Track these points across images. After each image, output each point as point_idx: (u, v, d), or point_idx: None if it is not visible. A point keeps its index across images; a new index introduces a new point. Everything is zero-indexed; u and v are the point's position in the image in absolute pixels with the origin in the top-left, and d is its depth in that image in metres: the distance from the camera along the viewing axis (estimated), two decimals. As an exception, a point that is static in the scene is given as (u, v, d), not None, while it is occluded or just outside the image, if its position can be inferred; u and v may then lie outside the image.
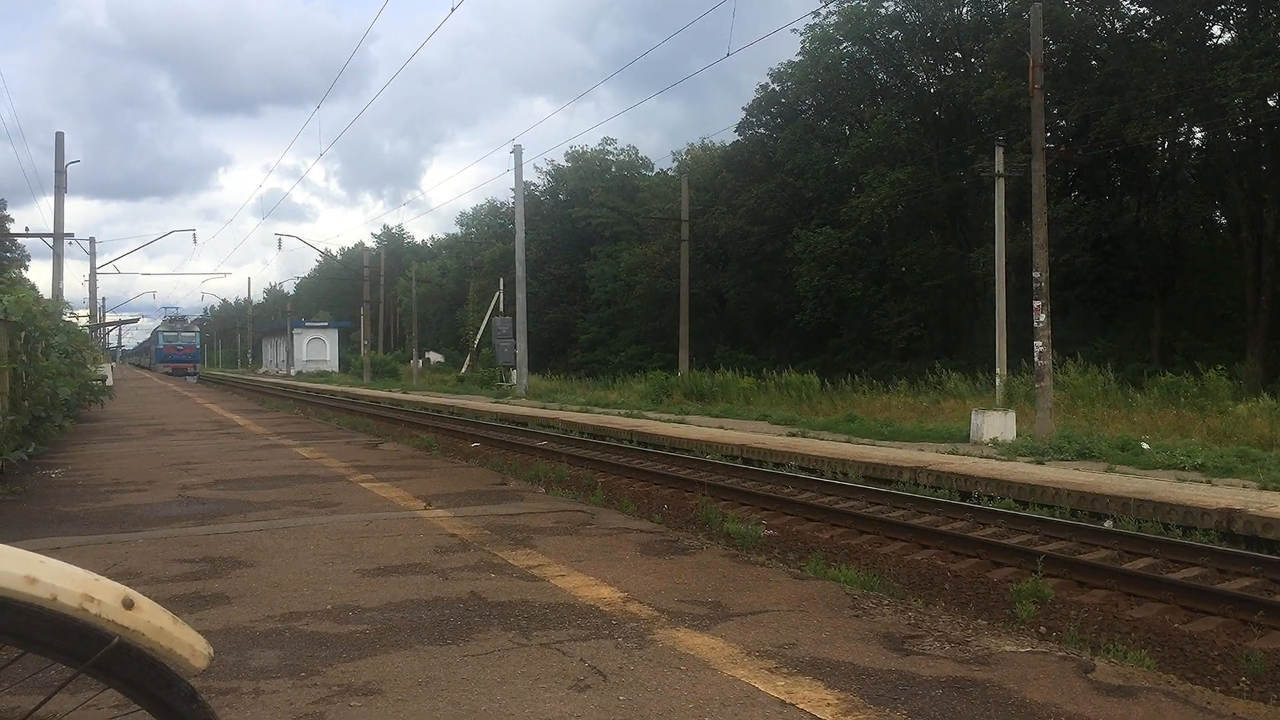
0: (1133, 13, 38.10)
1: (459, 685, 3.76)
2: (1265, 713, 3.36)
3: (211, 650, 1.61)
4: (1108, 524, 10.29)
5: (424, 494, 8.89)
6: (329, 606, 4.98)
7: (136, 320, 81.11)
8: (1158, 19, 36.60)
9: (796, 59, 50.84)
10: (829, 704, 3.49)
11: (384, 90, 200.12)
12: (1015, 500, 11.53)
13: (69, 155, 31.25)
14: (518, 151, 36.84)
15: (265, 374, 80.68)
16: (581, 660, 4.05)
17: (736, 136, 56.19)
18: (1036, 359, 17.62)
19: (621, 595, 5.12)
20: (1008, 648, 4.18)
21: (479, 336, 60.78)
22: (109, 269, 79.52)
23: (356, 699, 3.62)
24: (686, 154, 66.75)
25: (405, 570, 5.78)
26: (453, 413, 29.74)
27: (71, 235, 31.57)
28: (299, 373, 72.96)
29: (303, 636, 4.46)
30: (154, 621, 1.50)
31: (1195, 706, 3.44)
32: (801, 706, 3.47)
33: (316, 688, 3.76)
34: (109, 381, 25.85)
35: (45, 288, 29.69)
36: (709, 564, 5.91)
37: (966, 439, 17.50)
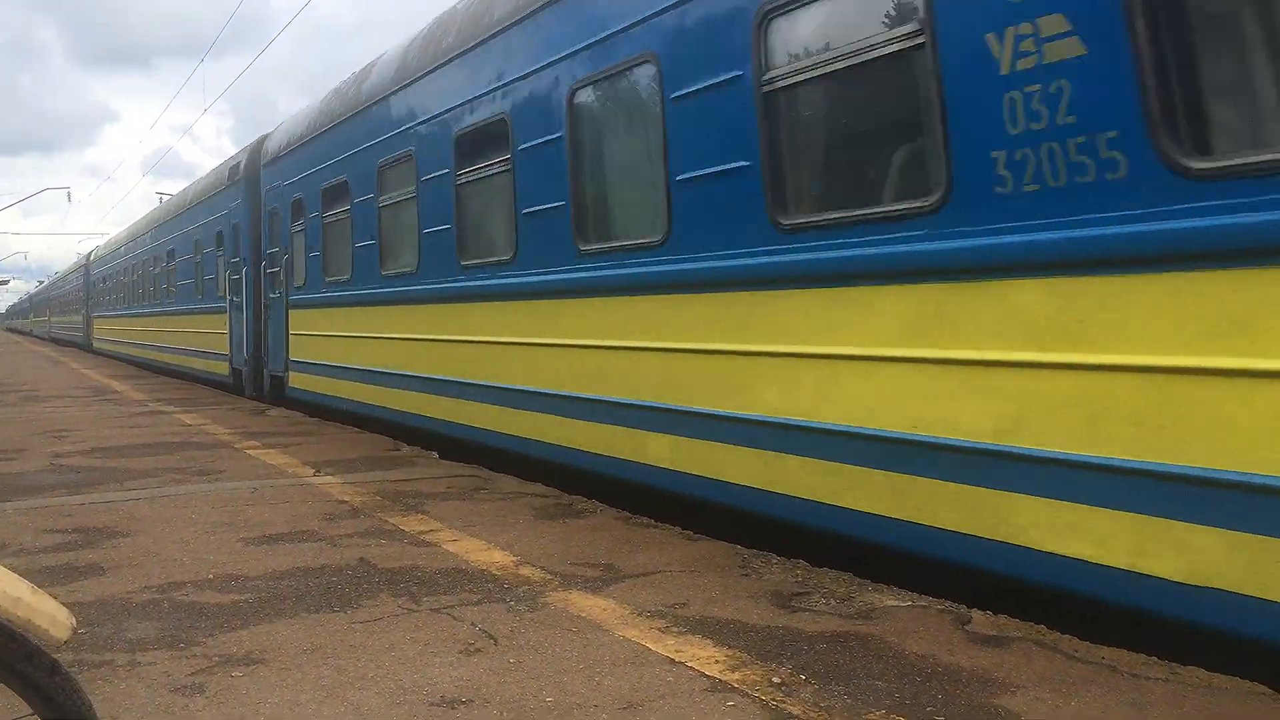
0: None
1: (346, 652, 3.71)
2: (1129, 658, 3.55)
3: (74, 621, 1.55)
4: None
5: (313, 460, 8.71)
6: (210, 576, 4.86)
7: (7, 282, 76.55)
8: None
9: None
10: (716, 661, 3.56)
11: (282, 44, 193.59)
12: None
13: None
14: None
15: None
16: (472, 625, 4.03)
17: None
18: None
19: (514, 559, 5.12)
20: (890, 603, 4.32)
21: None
22: (-25, 228, 73.85)
23: (238, 669, 3.55)
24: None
25: (292, 538, 5.66)
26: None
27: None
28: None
29: (182, 607, 4.34)
30: (10, 592, 1.45)
31: (1063, 654, 3.61)
32: (690, 664, 3.53)
33: (196, 658, 3.66)
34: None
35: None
36: (603, 527, 5.94)
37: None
